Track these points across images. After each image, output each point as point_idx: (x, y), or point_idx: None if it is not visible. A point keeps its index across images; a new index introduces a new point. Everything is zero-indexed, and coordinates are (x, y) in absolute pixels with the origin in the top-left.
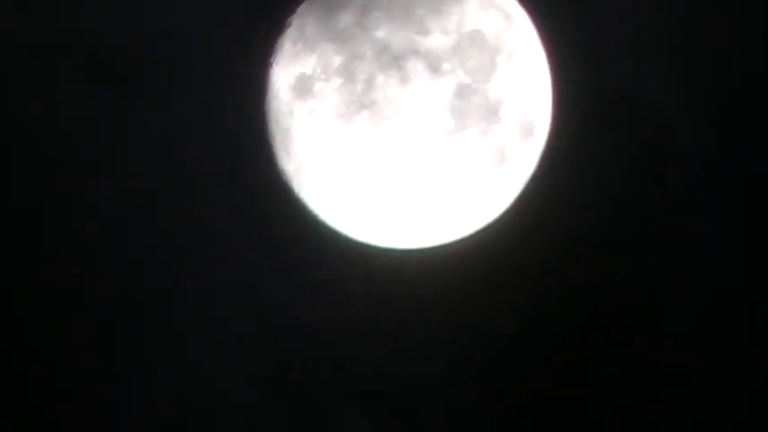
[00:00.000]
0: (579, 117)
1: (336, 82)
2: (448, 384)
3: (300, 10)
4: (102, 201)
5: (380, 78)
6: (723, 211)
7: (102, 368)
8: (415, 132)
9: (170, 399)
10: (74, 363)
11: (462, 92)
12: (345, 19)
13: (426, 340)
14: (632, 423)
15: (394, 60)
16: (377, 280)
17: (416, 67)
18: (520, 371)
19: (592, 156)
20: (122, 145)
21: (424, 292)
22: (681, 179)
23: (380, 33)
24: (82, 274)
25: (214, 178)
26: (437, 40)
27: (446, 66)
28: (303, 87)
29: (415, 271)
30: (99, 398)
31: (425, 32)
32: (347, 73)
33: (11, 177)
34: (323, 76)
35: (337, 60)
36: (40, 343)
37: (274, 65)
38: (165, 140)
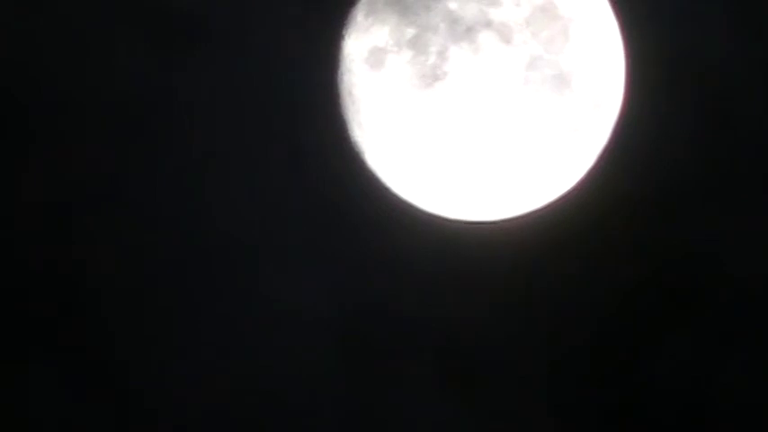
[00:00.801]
0: (651, 87)
1: (408, 54)
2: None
3: None
4: (164, 169)
5: (453, 50)
6: None
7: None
8: (487, 103)
9: (241, 354)
10: None
11: (535, 63)
12: None
13: (496, 311)
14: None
15: (466, 32)
16: (447, 252)
17: (488, 39)
18: (592, 342)
19: (664, 125)
20: (190, 109)
21: (496, 264)
22: (751, 144)
23: (452, 5)
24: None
25: (285, 149)
26: (509, 11)
27: (518, 37)
28: (376, 60)
29: (488, 243)
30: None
31: (497, 4)
32: (419, 45)
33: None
34: (395, 49)
35: (409, 33)
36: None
37: (346, 37)
38: (235, 110)
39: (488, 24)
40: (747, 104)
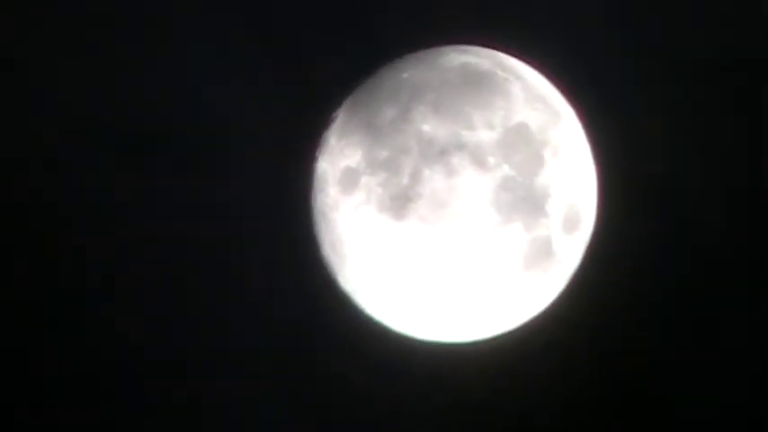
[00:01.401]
0: (622, 208)
1: (382, 175)
2: None
3: (345, 104)
4: (141, 291)
5: (426, 172)
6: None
7: None
8: (461, 226)
9: None
10: None
11: (508, 186)
12: (390, 113)
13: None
14: None
15: (439, 154)
16: (421, 373)
17: (462, 161)
18: None
19: (635, 248)
20: (165, 224)
21: (470, 385)
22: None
23: (426, 127)
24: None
25: (259, 269)
26: (482, 134)
27: (491, 159)
28: (349, 181)
29: (461, 364)
30: None
31: (471, 126)
32: (393, 167)
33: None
34: (368, 170)
35: (383, 154)
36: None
37: (320, 158)
38: (213, 233)
39: (462, 146)
40: (711, 226)
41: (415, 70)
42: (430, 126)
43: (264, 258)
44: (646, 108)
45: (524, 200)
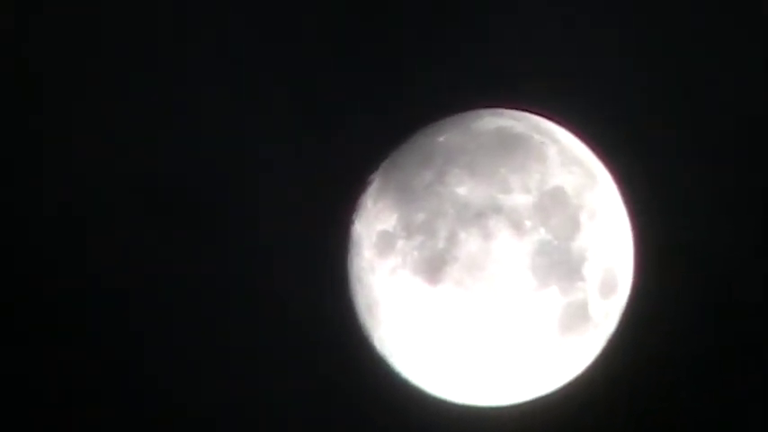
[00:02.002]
0: (659, 274)
1: (418, 239)
2: None
3: (382, 168)
4: (171, 356)
5: (462, 235)
6: None
7: None
8: (497, 290)
9: None
10: None
11: (544, 249)
12: (426, 176)
13: None
14: None
15: (475, 217)
16: None
17: (498, 225)
18: None
19: (672, 311)
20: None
21: None
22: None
23: (462, 190)
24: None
25: (296, 333)
26: (519, 197)
27: (528, 223)
28: (385, 244)
29: (497, 428)
30: None
31: (507, 190)
32: (428, 230)
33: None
34: (404, 234)
35: (419, 218)
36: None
37: (356, 222)
38: (251, 295)
39: (498, 210)
40: (749, 293)
41: (451, 134)
42: (466, 189)
43: (301, 321)
44: (682, 172)
45: (561, 264)
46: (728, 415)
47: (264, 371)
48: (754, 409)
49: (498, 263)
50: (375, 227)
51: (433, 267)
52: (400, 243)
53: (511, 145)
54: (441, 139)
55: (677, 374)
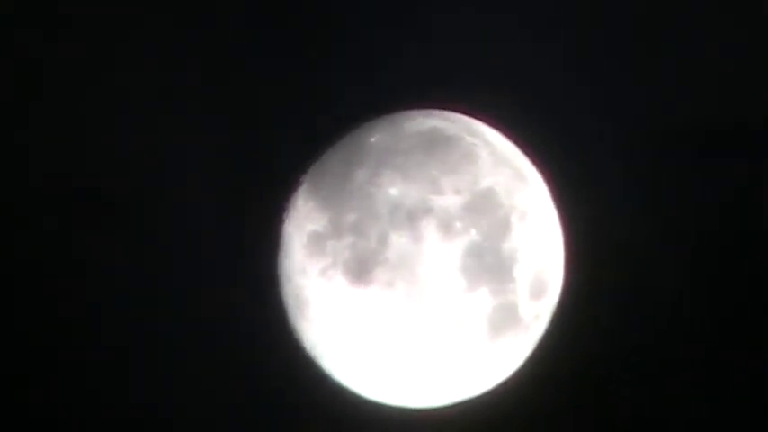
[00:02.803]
0: (589, 274)
1: (348, 240)
2: None
3: (313, 168)
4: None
5: (393, 237)
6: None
7: None
8: (427, 291)
9: None
10: None
11: (474, 251)
12: (358, 177)
13: None
14: None
15: (407, 219)
16: None
17: (429, 226)
18: None
19: (602, 311)
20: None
21: None
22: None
23: (393, 191)
24: None
25: (224, 334)
26: (450, 198)
27: (458, 224)
28: (315, 245)
29: (430, 430)
30: None
31: (439, 191)
32: (359, 231)
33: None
34: (335, 234)
35: (350, 218)
36: None
37: (286, 222)
38: (178, 297)
39: (429, 211)
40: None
41: (383, 135)
42: (397, 190)
43: (229, 322)
44: (613, 173)
45: (491, 265)
46: (663, 411)
47: (191, 373)
48: (689, 405)
49: (428, 264)
50: (305, 227)
51: (364, 268)
52: (331, 244)
53: (443, 146)
54: (372, 139)
55: (608, 373)
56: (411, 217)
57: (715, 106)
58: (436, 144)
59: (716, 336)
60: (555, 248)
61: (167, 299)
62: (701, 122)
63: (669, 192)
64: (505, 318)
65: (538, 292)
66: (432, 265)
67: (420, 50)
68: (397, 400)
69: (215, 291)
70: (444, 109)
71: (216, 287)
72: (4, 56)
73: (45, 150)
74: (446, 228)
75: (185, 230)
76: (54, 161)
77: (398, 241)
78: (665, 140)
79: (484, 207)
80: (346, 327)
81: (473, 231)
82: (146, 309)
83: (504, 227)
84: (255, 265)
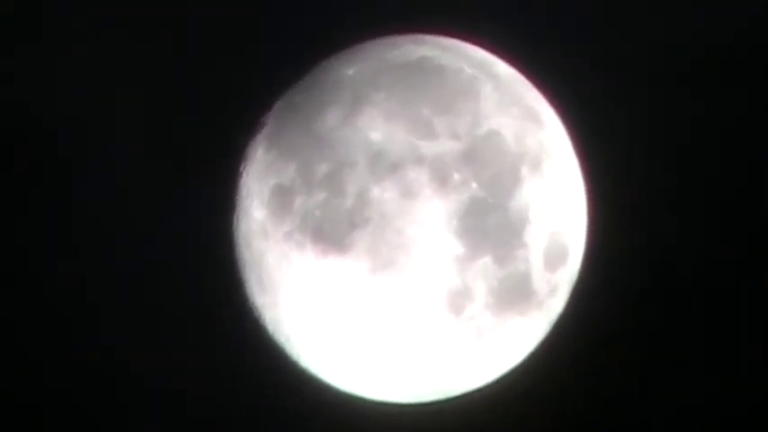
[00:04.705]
0: (617, 237)
1: (320, 196)
2: None
3: (277, 106)
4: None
5: (375, 192)
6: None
7: None
8: (417, 260)
9: None
10: None
11: (476, 209)
12: (331, 118)
13: None
14: None
15: (392, 169)
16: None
17: (420, 178)
18: None
19: (634, 283)
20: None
21: None
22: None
23: (375, 136)
24: None
25: (171, 312)
26: (445, 144)
27: (456, 176)
28: (280, 202)
29: (418, 429)
30: None
31: (431, 135)
32: (334, 185)
33: None
34: (304, 189)
35: (322, 169)
36: None
37: (244, 175)
38: (113, 261)
39: (420, 161)
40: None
41: (362, 65)
42: (380, 134)
43: (174, 297)
44: (645, 109)
45: (496, 227)
46: (705, 406)
47: (135, 356)
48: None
49: (419, 226)
50: (268, 180)
51: (340, 231)
52: (299, 200)
53: (436, 79)
54: (350, 71)
55: (639, 361)
56: (397, 167)
57: (749, 32)
58: (428, 77)
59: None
60: (575, 205)
61: (98, 272)
62: (734, 49)
63: (703, 136)
64: (514, 293)
65: (554, 260)
66: (423, 228)
67: None
68: (378, 393)
69: (157, 261)
70: (437, 33)
71: (158, 257)
72: None
73: None
74: (441, 180)
75: (116, 185)
76: None
77: (381, 198)
78: (697, 74)
79: (487, 154)
80: (317, 304)
81: (474, 185)
82: (77, 285)
83: (512, 179)
84: (205, 228)
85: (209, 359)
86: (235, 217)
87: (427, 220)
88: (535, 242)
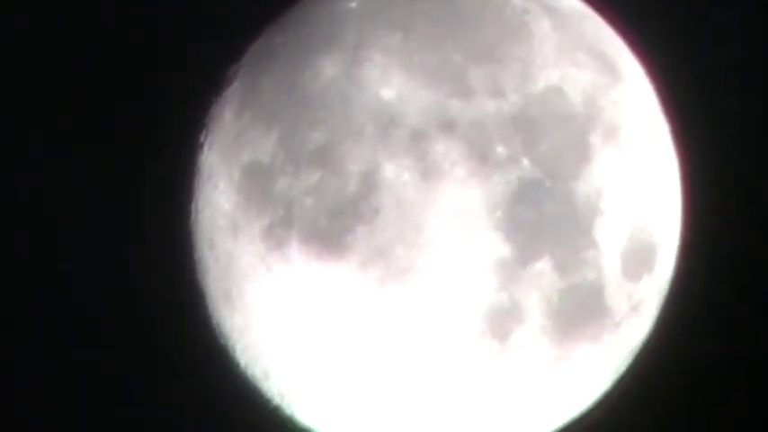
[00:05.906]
0: (723, 239)
1: (312, 177)
2: None
3: (250, 54)
4: None
5: (388, 171)
6: None
7: None
8: (443, 267)
9: None
10: None
11: (528, 194)
12: (327, 68)
13: None
14: None
15: (411, 140)
16: None
17: (450, 153)
18: None
19: (744, 299)
20: None
21: None
22: None
23: (387, 93)
24: None
25: (109, 329)
26: (486, 104)
27: (501, 150)
28: (255, 187)
29: None
30: None
31: (465, 92)
32: (330, 161)
33: None
34: (289, 167)
35: (314, 139)
36: None
37: (206, 148)
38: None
39: (449, 127)
40: None
41: None
42: (394, 91)
43: (115, 312)
44: (756, 64)
45: (557, 220)
46: None
47: (78, 374)
48: None
49: (448, 219)
50: (239, 156)
51: (338, 227)
52: (282, 184)
53: (472, 15)
54: (352, 3)
55: (749, 406)
56: (417, 138)
57: None
58: (461, 12)
59: None
60: (666, 190)
61: (35, 264)
62: None
63: None
64: (581, 311)
65: (637, 265)
66: (453, 222)
67: None
68: None
69: (99, 262)
70: None
71: (100, 258)
72: None
73: None
74: (479, 156)
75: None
76: None
77: (396, 180)
78: None
79: (544, 119)
80: (306, 328)
81: (525, 162)
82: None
83: (578, 154)
84: (151, 224)
85: (160, 403)
86: (192, 207)
87: (459, 212)
88: (610, 241)
